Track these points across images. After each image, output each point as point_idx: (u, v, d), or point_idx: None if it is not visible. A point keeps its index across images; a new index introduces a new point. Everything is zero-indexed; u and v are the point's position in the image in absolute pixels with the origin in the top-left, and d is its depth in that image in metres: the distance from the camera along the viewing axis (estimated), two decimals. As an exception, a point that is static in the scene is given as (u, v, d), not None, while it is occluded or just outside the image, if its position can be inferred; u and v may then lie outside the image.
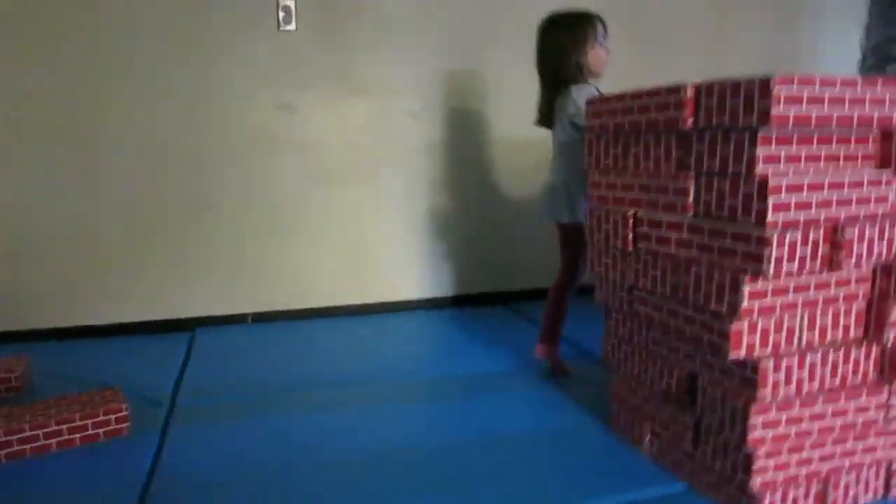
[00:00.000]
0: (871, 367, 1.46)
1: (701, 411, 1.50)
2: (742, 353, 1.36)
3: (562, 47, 1.97)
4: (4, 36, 2.48)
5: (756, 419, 1.36)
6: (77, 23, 2.53)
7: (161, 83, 2.63)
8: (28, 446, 1.68)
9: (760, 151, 1.26)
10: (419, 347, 2.62)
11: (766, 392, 1.35)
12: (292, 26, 2.75)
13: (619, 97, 1.57)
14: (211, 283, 2.80)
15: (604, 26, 2.01)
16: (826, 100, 1.27)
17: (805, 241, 1.30)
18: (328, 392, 2.10)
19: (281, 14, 2.74)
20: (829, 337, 1.43)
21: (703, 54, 3.26)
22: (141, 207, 2.68)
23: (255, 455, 1.69)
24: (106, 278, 2.69)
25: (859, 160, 1.39)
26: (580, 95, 1.93)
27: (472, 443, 1.74)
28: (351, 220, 2.91)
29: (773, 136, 1.27)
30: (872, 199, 1.38)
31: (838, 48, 3.60)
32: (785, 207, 1.27)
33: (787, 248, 1.27)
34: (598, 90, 1.97)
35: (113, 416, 1.78)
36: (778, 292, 1.33)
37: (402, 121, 2.91)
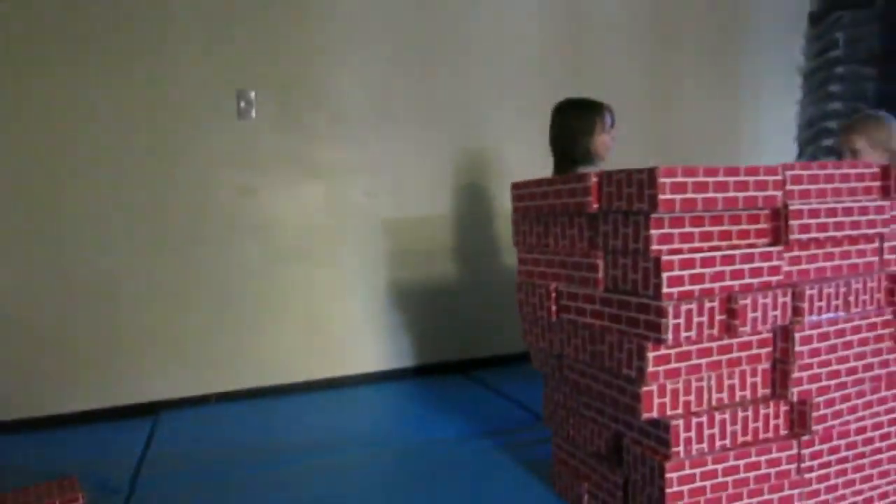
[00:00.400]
0: (781, 422, 1.59)
1: (627, 470, 1.61)
2: (654, 413, 1.48)
3: (572, 131, 2.20)
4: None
5: (672, 475, 1.47)
6: (39, 108, 2.69)
7: (127, 171, 2.77)
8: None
9: (654, 232, 1.42)
10: (380, 419, 2.70)
11: (678, 449, 1.47)
12: (252, 115, 2.93)
13: (538, 182, 1.74)
14: (175, 365, 2.87)
15: (612, 116, 2.25)
16: (711, 185, 1.44)
17: (701, 311, 1.44)
18: (291, 469, 2.15)
19: (242, 104, 2.92)
20: (737, 396, 1.56)
21: (649, 121, 3.49)
22: (104, 292, 2.77)
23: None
24: (69, 366, 2.74)
25: (752, 235, 1.56)
26: None
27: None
28: (310, 297, 3.03)
29: (665, 219, 1.43)
30: (765, 270, 1.53)
31: (776, 122, 3.86)
32: (679, 281, 1.42)
33: (683, 317, 1.41)
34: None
35: (70, 505, 1.83)
36: (681, 357, 1.46)
37: (358, 201, 3.07)
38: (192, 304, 2.88)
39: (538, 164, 3.22)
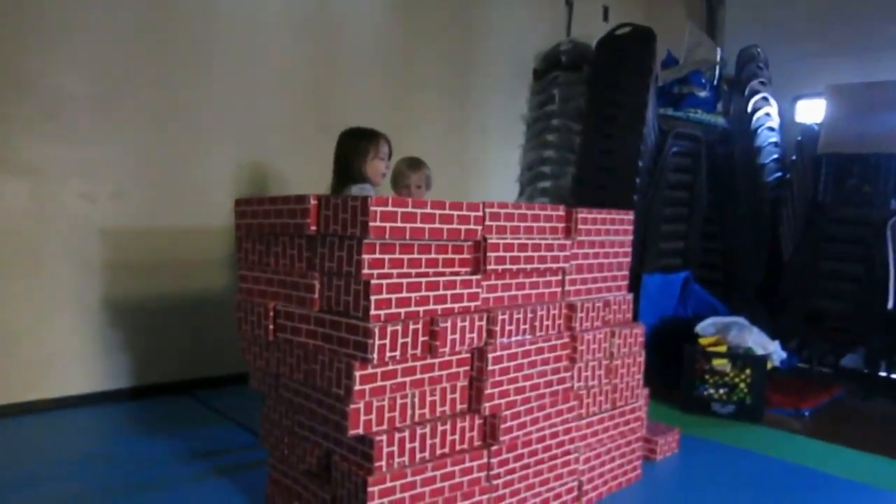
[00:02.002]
0: (475, 434, 1.76)
1: (335, 486, 1.65)
2: (360, 430, 1.55)
3: (346, 155, 2.44)
4: None
5: (373, 489, 1.54)
6: None
7: None
8: None
9: (365, 256, 1.50)
10: (86, 446, 2.44)
11: (381, 464, 1.55)
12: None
13: (261, 200, 1.74)
14: None
15: (388, 146, 2.49)
16: (418, 217, 1.57)
17: (406, 332, 1.55)
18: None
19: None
20: (437, 411, 1.69)
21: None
22: None
23: None
24: None
25: (456, 264, 1.72)
26: (358, 191, 2.34)
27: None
28: (7, 311, 2.64)
29: (377, 245, 1.52)
30: (465, 296, 1.70)
31: (502, 162, 4.27)
32: (387, 304, 1.51)
33: (388, 338, 1.51)
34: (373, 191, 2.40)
35: None
36: (387, 375, 1.56)
37: (72, 205, 2.77)
38: None
39: (276, 178, 3.22)
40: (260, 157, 3.23)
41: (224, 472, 2.15)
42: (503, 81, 4.20)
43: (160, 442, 2.42)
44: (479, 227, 1.72)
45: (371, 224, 1.47)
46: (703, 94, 3.99)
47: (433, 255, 1.65)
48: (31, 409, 2.70)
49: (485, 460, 1.75)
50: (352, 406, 1.52)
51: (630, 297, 2.22)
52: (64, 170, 2.75)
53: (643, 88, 3.66)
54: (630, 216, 2.21)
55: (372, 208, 1.47)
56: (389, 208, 1.50)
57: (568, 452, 1.97)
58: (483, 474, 1.75)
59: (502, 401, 1.77)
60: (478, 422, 1.75)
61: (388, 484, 1.56)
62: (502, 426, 1.77)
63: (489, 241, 1.74)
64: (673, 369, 3.04)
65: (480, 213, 1.72)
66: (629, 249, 2.24)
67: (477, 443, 1.76)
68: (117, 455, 2.32)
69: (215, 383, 3.10)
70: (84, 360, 2.83)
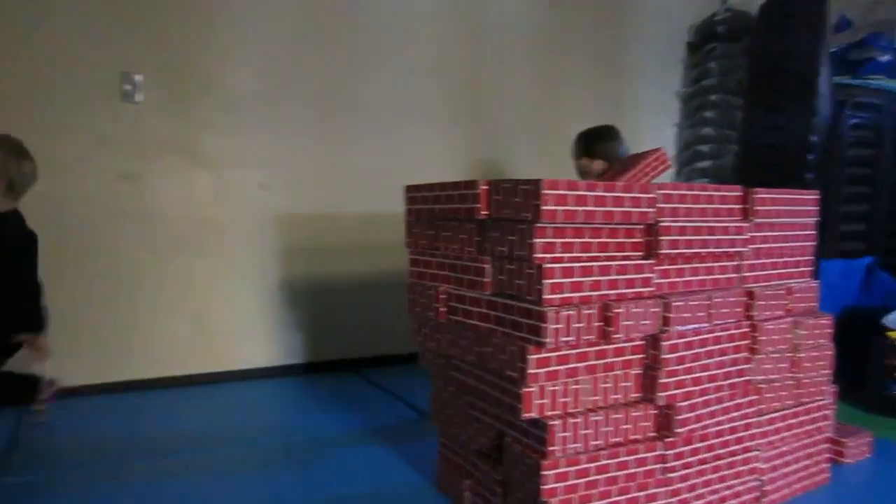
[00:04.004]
0: (650, 425, 1.70)
1: (507, 467, 1.67)
2: (534, 413, 1.55)
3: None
4: None
5: (548, 472, 1.54)
6: None
7: None
8: None
9: (537, 241, 1.49)
10: (268, 414, 2.67)
11: (555, 448, 1.55)
12: (139, 98, 2.80)
13: (430, 187, 1.78)
14: (61, 354, 2.69)
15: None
16: (590, 200, 1.53)
17: (579, 317, 1.52)
18: (176, 460, 2.11)
19: (127, 87, 2.79)
20: (610, 399, 1.65)
21: (541, 126, 3.62)
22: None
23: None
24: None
25: (628, 248, 1.66)
26: None
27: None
28: (200, 290, 2.94)
29: (549, 228, 1.51)
30: (638, 282, 1.64)
31: (655, 141, 4.09)
32: (560, 288, 1.50)
33: (562, 322, 1.49)
34: None
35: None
36: (561, 360, 1.54)
37: (250, 193, 3.00)
38: (75, 292, 2.72)
39: (436, 164, 3.29)
40: (417, 144, 3.32)
41: (392, 445, 2.25)
42: (655, 57, 4.02)
43: (332, 414, 2.58)
44: (652, 210, 1.66)
45: (543, 208, 1.46)
46: (884, 58, 3.58)
47: (605, 239, 1.61)
48: (220, 378, 2.98)
49: (660, 452, 1.69)
50: (526, 389, 1.52)
51: (815, 284, 2.05)
52: (243, 161, 2.99)
53: (814, 55, 3.34)
54: (814, 196, 2.04)
55: (544, 192, 1.45)
56: (562, 192, 1.48)
57: (748, 450, 1.86)
58: (658, 466, 1.69)
59: (678, 391, 1.70)
60: (652, 412, 1.69)
61: (563, 469, 1.55)
62: (678, 418, 1.69)
63: (662, 224, 1.67)
64: (856, 365, 2.78)
65: (653, 195, 1.65)
66: (813, 233, 2.06)
67: (651, 434, 1.70)
68: (295, 423, 2.51)
69: (380, 362, 3.24)
70: (265, 336, 3.08)
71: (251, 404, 2.76)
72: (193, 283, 2.93)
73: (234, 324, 3.02)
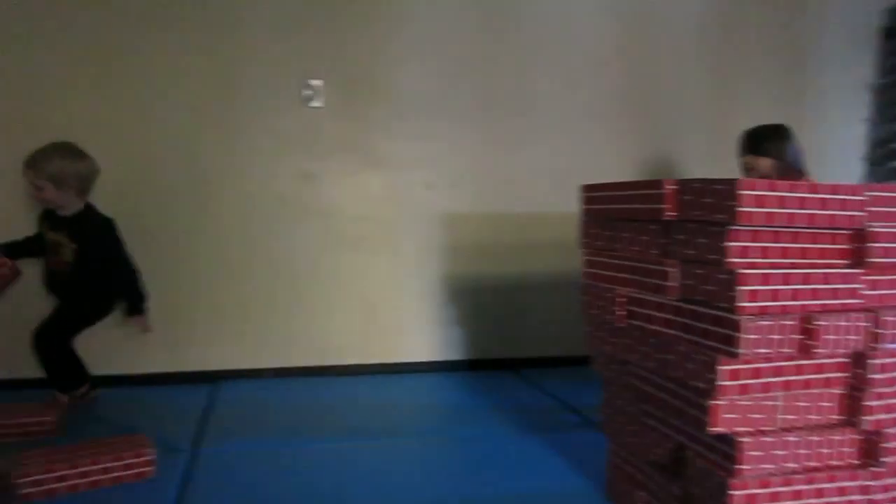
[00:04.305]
0: (851, 451, 1.55)
1: (688, 482, 1.59)
2: (722, 428, 1.46)
3: None
4: (63, 103, 2.75)
5: (737, 493, 1.45)
6: (112, 94, 2.82)
7: (193, 150, 2.88)
8: (62, 484, 1.82)
9: (732, 244, 1.40)
10: (427, 408, 2.74)
11: (745, 468, 1.45)
12: (318, 103, 2.99)
13: (609, 186, 1.73)
14: (235, 338, 2.97)
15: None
16: (792, 201, 1.41)
17: (777, 329, 1.41)
18: (343, 446, 2.22)
19: (307, 92, 2.98)
20: (807, 419, 1.52)
21: (713, 124, 3.42)
22: (173, 266, 2.89)
23: (281, 495, 1.83)
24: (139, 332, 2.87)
25: (833, 256, 1.52)
26: None
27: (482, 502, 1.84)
28: (366, 284, 3.08)
29: (745, 232, 1.41)
30: (844, 293, 1.49)
31: (841, 138, 3.73)
32: (756, 296, 1.39)
33: (758, 333, 1.39)
34: None
35: (139, 460, 1.91)
36: (754, 373, 1.44)
37: (418, 192, 3.11)
38: (257, 283, 2.97)
39: (601, 165, 3.21)
40: (581, 143, 3.27)
41: (555, 447, 2.22)
42: (841, 45, 3.64)
43: (492, 410, 2.60)
44: (862, 214, 1.50)
45: (740, 209, 1.36)
46: None
47: (806, 245, 1.48)
48: (385, 370, 3.11)
49: (863, 482, 1.53)
50: (715, 402, 1.44)
51: None
52: (410, 162, 3.10)
53: None
54: None
55: (742, 192, 1.36)
56: (760, 192, 1.38)
57: (968, 485, 1.64)
58: (861, 498, 1.53)
59: (886, 416, 1.52)
60: (856, 437, 1.54)
61: (753, 490, 1.45)
62: (886, 446, 1.52)
63: (872, 229, 1.51)
64: None
65: (862, 198, 1.49)
66: None
67: (853, 461, 1.55)
68: (457, 416, 2.56)
69: (539, 363, 3.23)
70: (427, 330, 3.17)
71: (412, 396, 2.85)
72: (363, 277, 3.08)
73: (399, 318, 3.14)
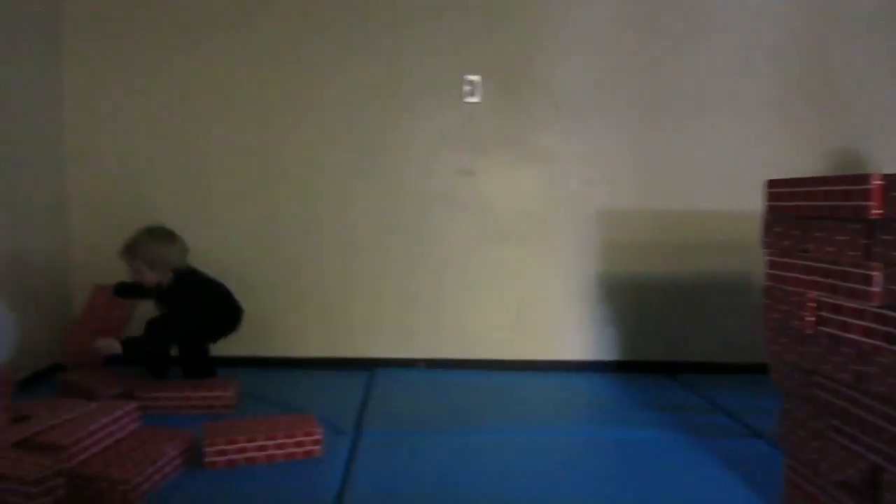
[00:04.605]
0: None
1: (883, 509, 1.44)
2: (931, 452, 1.30)
3: None
4: (233, 103, 2.98)
5: (947, 525, 1.29)
6: (294, 98, 2.99)
7: (356, 145, 3.02)
8: (241, 456, 1.97)
9: (956, 246, 1.24)
10: (581, 407, 2.69)
11: (958, 497, 1.29)
12: (476, 98, 3.01)
13: (800, 181, 1.60)
14: (390, 328, 3.07)
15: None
16: None
17: None
18: (499, 439, 2.23)
19: (467, 87, 3.02)
20: None
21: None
22: (338, 259, 3.05)
23: (438, 482, 1.88)
24: (305, 318, 3.07)
25: None
26: None
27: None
28: (519, 279, 3.08)
29: (973, 232, 1.25)
30: None
31: None
32: (984, 305, 1.23)
33: None
34: None
35: (309, 438, 2.03)
36: (975, 392, 1.27)
37: (577, 188, 3.05)
38: (413, 275, 3.07)
39: (778, 159, 3.00)
40: (751, 138, 3.06)
41: (722, 458, 2.10)
42: None
43: (648, 415, 2.50)
44: None
45: (970, 208, 1.21)
46: None
47: None
48: (534, 367, 3.09)
49: None
50: (925, 422, 1.29)
51: None
52: (569, 158, 3.05)
53: None
54: None
55: (974, 188, 1.20)
56: None
57: None
58: None
59: None
60: None
61: (968, 524, 1.29)
62: None
63: None
64: None
65: None
66: None
67: None
68: (609, 420, 2.48)
69: (697, 369, 3.07)
70: (579, 329, 3.11)
71: (563, 394, 2.81)
72: (517, 273, 3.08)
73: (550, 315, 3.11)
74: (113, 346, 2.49)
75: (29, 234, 2.75)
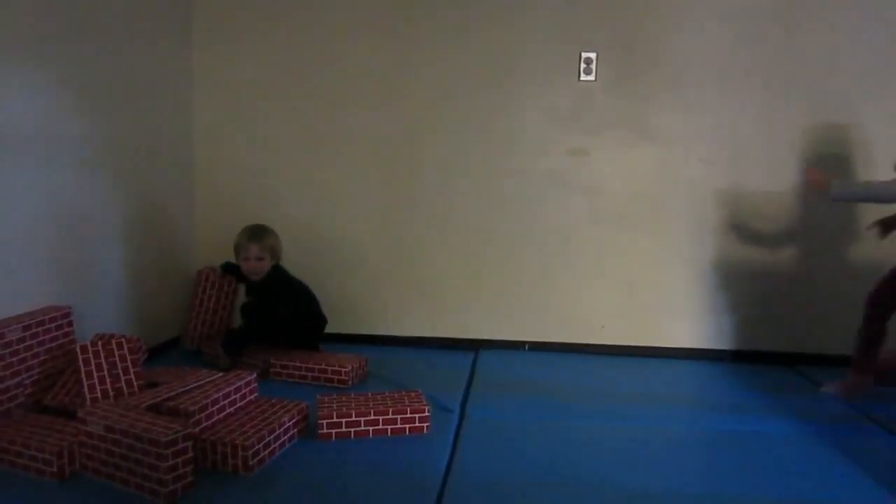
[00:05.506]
0: None
1: None
2: None
3: None
4: (357, 91, 3.03)
5: None
6: (404, 78, 3.01)
7: (472, 126, 2.99)
8: (352, 430, 2.03)
9: None
10: (694, 396, 2.60)
11: None
12: (592, 77, 2.92)
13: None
14: (496, 310, 3.07)
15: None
16: None
17: None
18: (605, 426, 2.20)
19: (583, 65, 2.93)
20: None
21: None
22: (442, 239, 3.06)
23: (542, 466, 1.87)
24: (408, 298, 3.11)
25: None
26: None
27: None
28: (632, 264, 2.98)
29: None
30: None
31: None
32: None
33: None
34: None
35: (417, 416, 2.07)
36: None
37: (693, 168, 2.91)
38: (519, 257, 3.04)
39: (862, 138, 2.75)
40: (840, 114, 2.82)
41: (849, 456, 1.96)
42: None
43: (770, 407, 2.38)
44: None
45: None
46: None
47: None
48: (643, 353, 3.00)
49: None
50: None
51: None
52: (686, 136, 2.92)
53: None
54: None
55: None
56: None
57: None
58: None
59: None
60: None
61: None
62: None
63: None
64: None
65: None
66: None
67: None
68: (718, 409, 2.38)
69: (818, 361, 2.88)
70: (693, 316, 2.99)
71: (672, 384, 2.71)
72: (628, 256, 2.98)
73: (662, 300, 3.00)
74: (222, 359, 2.66)
75: (163, 215, 2.93)
